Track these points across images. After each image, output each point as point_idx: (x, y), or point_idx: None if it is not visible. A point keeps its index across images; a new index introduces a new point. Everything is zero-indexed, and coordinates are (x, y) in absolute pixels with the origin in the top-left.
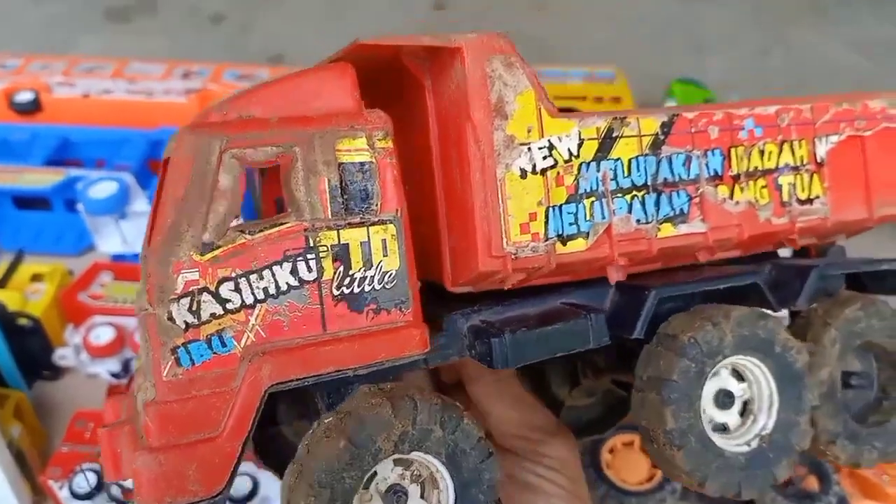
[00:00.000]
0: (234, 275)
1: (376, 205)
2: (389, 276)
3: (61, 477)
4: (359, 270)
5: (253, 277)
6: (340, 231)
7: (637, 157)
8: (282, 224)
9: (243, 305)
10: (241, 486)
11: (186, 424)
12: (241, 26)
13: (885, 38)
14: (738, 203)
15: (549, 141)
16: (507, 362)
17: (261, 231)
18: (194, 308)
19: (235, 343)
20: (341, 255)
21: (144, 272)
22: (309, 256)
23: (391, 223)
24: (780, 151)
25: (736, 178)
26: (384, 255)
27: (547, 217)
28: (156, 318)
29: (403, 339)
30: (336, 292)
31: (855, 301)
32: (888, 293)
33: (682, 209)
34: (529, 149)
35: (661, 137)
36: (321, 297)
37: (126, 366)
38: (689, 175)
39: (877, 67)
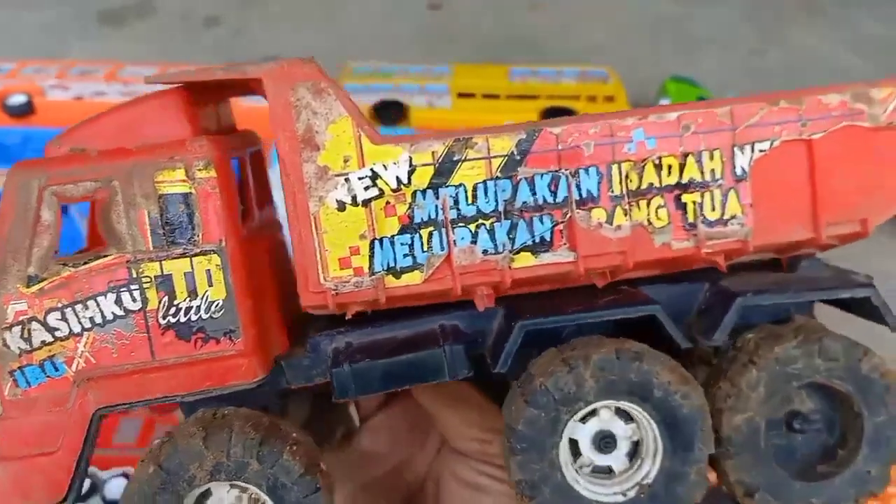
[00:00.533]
0: (60, 305)
1: (198, 236)
2: (216, 306)
3: None
4: (184, 300)
5: (78, 307)
6: (163, 262)
7: (485, 181)
8: (104, 256)
9: (71, 333)
10: None
11: (28, 439)
12: (236, 29)
13: (882, 37)
14: (619, 228)
15: (371, 170)
16: (347, 394)
17: (84, 263)
18: (26, 336)
19: (67, 368)
20: (165, 285)
21: None
22: (133, 287)
23: (215, 253)
24: (683, 165)
25: (618, 199)
26: (209, 286)
27: (372, 250)
28: None
29: (230, 369)
30: (163, 321)
31: (793, 336)
32: (870, 319)
33: (543, 237)
34: (347, 179)
35: (518, 158)
36: (147, 326)
37: None
38: (555, 198)
39: (873, 67)
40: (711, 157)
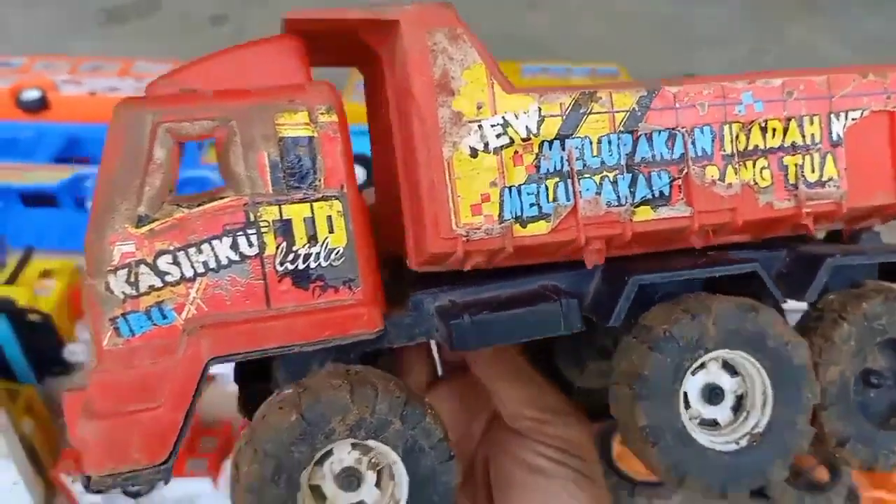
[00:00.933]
0: (171, 248)
1: (320, 180)
2: (336, 254)
3: (74, 471)
4: (303, 247)
5: (192, 251)
6: (282, 206)
7: (609, 135)
8: (220, 198)
9: (183, 278)
10: None
11: (128, 393)
12: (241, 27)
13: (881, 35)
14: (730, 185)
15: (503, 118)
16: (466, 345)
17: (199, 205)
18: (132, 280)
19: (176, 315)
20: (284, 230)
21: (85, 245)
22: (249, 231)
23: (336, 199)
24: (787, 129)
25: (729, 159)
26: (330, 232)
27: (502, 198)
28: (94, 288)
29: (351, 318)
30: (280, 268)
31: (876, 295)
32: None
33: (661, 191)
34: (480, 126)
35: (639, 114)
36: (264, 273)
37: None
38: (672, 155)
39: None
40: (811, 123)
